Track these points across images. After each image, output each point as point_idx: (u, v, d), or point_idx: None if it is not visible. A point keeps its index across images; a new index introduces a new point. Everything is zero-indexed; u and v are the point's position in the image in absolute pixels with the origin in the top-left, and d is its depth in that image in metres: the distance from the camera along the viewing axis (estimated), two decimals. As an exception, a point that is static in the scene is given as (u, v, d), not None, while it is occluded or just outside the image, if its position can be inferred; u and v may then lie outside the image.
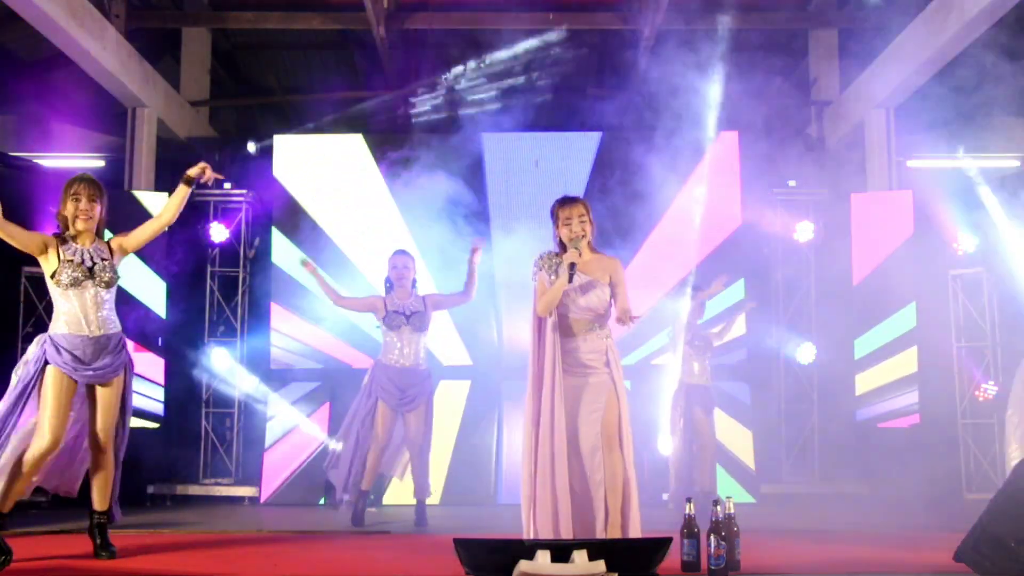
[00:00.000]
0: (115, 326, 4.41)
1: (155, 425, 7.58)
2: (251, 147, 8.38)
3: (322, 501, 7.28)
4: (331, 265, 7.58)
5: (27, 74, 8.40)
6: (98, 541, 4.34)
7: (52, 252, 4.26)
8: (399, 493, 7.45)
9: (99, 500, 4.38)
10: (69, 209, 4.30)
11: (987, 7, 6.33)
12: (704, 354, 6.54)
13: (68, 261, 4.26)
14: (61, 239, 4.31)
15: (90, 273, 4.28)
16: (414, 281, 6.00)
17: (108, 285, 4.33)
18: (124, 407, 4.46)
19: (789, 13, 8.79)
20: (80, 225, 4.31)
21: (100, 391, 4.34)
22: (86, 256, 4.30)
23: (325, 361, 7.71)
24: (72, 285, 4.25)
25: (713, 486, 6.44)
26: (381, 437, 5.83)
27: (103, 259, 4.33)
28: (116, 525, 4.56)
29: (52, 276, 4.26)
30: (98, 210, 4.34)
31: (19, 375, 4.26)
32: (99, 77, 7.56)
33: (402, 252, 6.05)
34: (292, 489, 7.43)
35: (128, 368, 4.47)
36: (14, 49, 8.35)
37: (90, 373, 4.27)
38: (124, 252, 4.46)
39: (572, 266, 4.14)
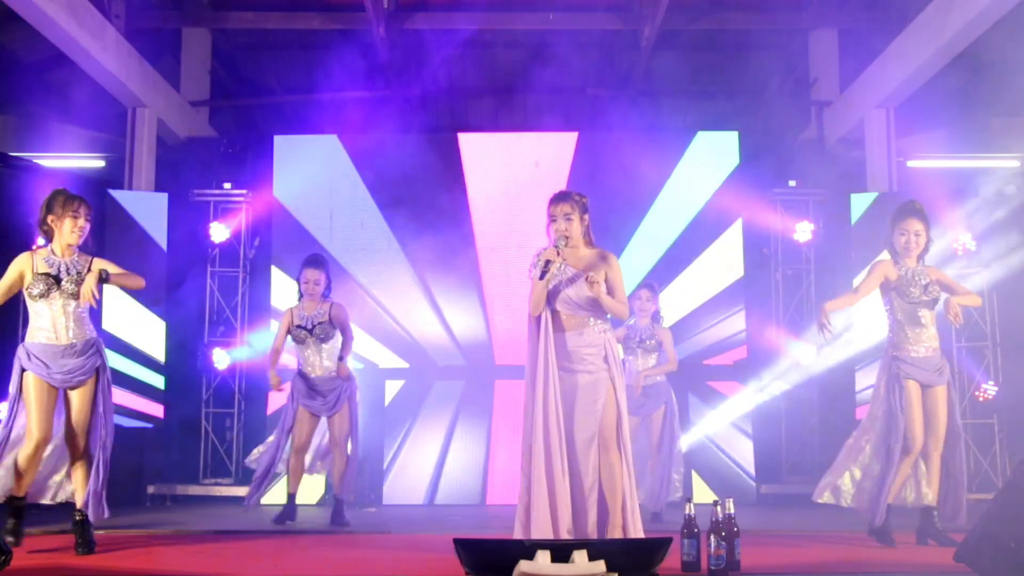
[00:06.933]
0: (86, 333, 4.49)
1: (155, 425, 7.58)
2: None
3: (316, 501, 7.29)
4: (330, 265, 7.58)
5: (27, 74, 8.40)
6: (78, 538, 4.40)
7: (28, 270, 4.41)
8: (399, 493, 7.47)
9: (79, 498, 4.48)
10: (67, 225, 4.43)
11: (987, 7, 6.33)
12: (631, 354, 6.29)
13: (41, 274, 4.40)
14: (36, 251, 4.49)
15: (56, 283, 4.40)
16: (326, 294, 5.99)
17: (75, 296, 4.41)
18: (102, 408, 4.52)
19: (789, 13, 8.79)
20: (73, 240, 4.46)
21: (73, 393, 4.45)
22: (60, 267, 4.44)
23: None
24: (41, 296, 4.39)
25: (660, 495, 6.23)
26: (299, 440, 5.90)
27: (77, 271, 4.45)
28: (106, 523, 4.62)
29: (26, 288, 4.42)
30: (88, 227, 4.52)
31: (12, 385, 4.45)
32: (99, 77, 7.55)
33: (313, 266, 5.95)
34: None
35: (101, 371, 4.53)
36: (14, 49, 8.35)
37: (60, 376, 4.40)
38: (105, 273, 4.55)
39: (547, 263, 4.13)
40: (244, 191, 7.99)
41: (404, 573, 4.10)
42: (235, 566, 4.24)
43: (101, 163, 9.37)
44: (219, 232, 7.88)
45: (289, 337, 5.97)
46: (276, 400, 7.65)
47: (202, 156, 8.72)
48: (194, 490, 7.61)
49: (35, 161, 8.34)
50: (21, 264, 4.43)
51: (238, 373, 7.90)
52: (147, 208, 7.82)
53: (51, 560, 4.24)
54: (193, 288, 7.94)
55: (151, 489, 7.46)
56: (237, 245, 8.01)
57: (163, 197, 7.90)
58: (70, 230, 4.43)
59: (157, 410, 7.60)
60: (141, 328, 7.54)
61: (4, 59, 8.42)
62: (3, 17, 6.89)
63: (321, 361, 5.92)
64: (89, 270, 4.46)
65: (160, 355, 7.65)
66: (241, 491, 7.59)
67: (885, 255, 5.01)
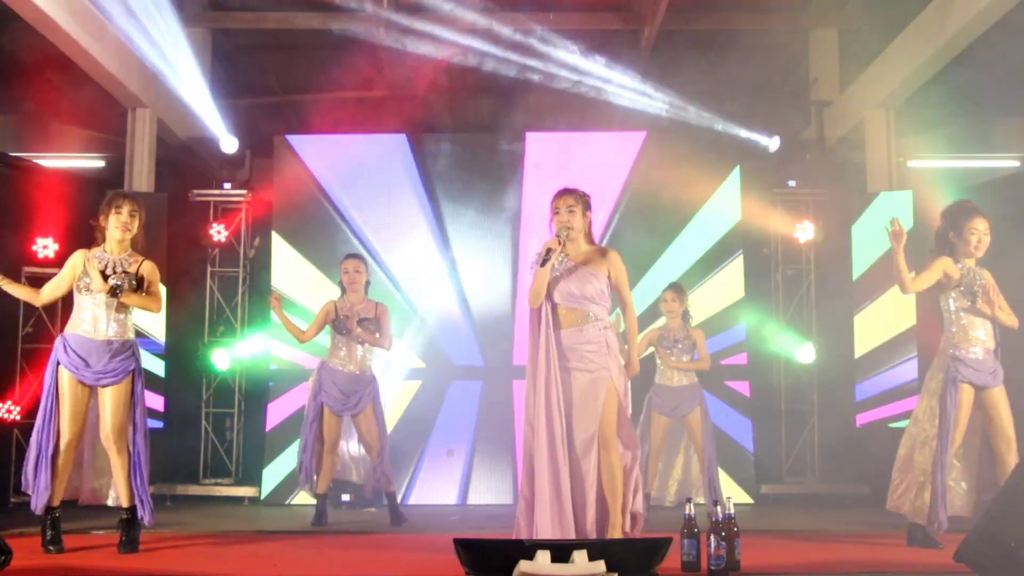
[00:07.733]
0: (126, 333, 4.58)
1: (155, 425, 7.56)
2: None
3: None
4: (330, 265, 7.57)
5: (27, 74, 8.39)
6: (122, 536, 4.54)
7: (80, 265, 4.55)
8: (427, 494, 7.45)
9: (123, 497, 4.60)
10: (112, 221, 4.57)
11: (987, 7, 6.34)
12: (668, 353, 6.35)
13: (90, 269, 4.52)
14: (91, 247, 4.65)
15: (103, 279, 4.48)
16: (367, 285, 6.06)
17: (112, 294, 4.44)
18: (138, 411, 4.60)
19: (789, 13, 8.79)
20: (117, 235, 4.58)
21: (106, 392, 4.50)
22: (110, 264, 4.54)
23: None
24: (86, 290, 4.49)
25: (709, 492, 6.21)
26: (329, 440, 5.91)
27: (125, 271, 4.53)
28: (106, 524, 4.74)
29: (76, 281, 4.55)
30: (136, 224, 4.64)
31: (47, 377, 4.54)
32: (99, 77, 7.55)
33: (353, 256, 6.16)
34: (292, 489, 7.41)
35: (137, 375, 4.60)
36: (14, 49, 8.34)
37: (90, 376, 4.45)
38: (145, 280, 4.65)
39: (548, 251, 4.15)
40: (244, 191, 7.99)
41: (404, 573, 4.10)
42: (235, 566, 4.24)
43: (101, 163, 9.37)
44: (219, 232, 7.88)
45: (329, 328, 5.96)
46: (275, 415, 7.64)
47: (202, 156, 8.72)
48: (194, 490, 7.61)
49: (35, 161, 8.35)
50: (75, 259, 4.57)
51: (238, 373, 7.89)
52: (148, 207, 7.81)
53: (51, 560, 4.25)
54: (193, 288, 7.93)
55: (151, 489, 7.42)
56: (237, 245, 8.01)
57: (162, 197, 7.88)
58: (114, 226, 4.57)
59: (158, 410, 7.56)
60: (141, 327, 7.51)
61: (4, 59, 8.41)
62: (3, 17, 6.88)
63: (357, 357, 5.90)
64: (138, 270, 4.58)
65: (160, 355, 7.62)
66: (241, 491, 7.61)
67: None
